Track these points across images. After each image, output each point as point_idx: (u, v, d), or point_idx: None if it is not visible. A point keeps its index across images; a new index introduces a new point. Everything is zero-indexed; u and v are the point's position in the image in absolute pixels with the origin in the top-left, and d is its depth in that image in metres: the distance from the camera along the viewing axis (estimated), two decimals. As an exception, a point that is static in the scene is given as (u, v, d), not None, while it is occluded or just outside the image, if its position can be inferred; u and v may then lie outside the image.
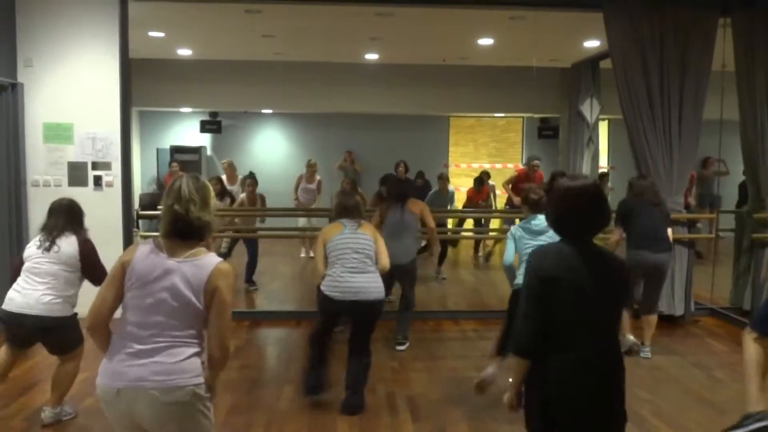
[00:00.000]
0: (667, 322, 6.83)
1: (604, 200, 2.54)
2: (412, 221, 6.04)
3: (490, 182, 10.99)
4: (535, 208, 4.68)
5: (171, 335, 2.43)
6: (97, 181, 6.58)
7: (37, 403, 4.53)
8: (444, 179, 9.93)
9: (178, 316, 2.44)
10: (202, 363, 2.50)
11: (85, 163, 6.59)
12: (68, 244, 4.14)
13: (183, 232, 2.49)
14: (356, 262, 4.50)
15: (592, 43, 9.19)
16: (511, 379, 2.60)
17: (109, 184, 6.61)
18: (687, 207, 8.94)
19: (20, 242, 6.40)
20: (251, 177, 8.50)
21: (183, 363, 2.42)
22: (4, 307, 4.10)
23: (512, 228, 4.82)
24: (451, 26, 8.30)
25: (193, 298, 2.43)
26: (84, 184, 6.58)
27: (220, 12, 7.64)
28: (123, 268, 2.49)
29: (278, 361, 5.86)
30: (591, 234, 2.55)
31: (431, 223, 6.17)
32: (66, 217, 4.24)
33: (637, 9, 6.64)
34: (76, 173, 6.56)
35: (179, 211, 2.48)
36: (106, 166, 6.60)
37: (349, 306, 4.46)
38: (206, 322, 2.48)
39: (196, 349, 2.48)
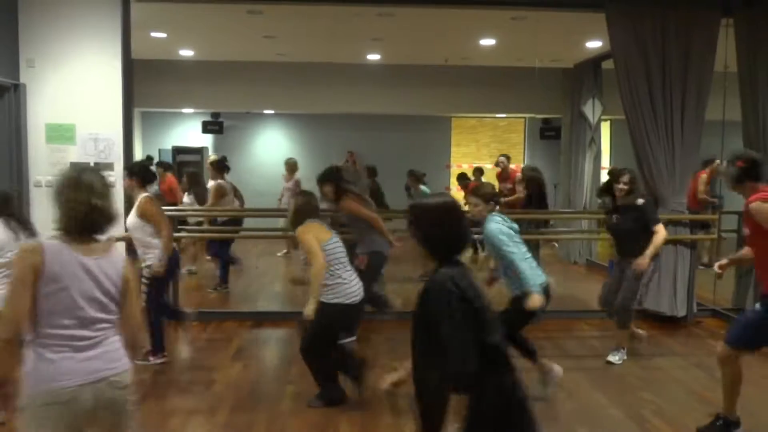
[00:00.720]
0: (670, 323, 6.83)
1: (463, 217, 2.49)
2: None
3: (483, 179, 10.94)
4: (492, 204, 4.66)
5: (102, 327, 2.50)
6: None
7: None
8: (414, 177, 9.45)
9: (105, 310, 2.50)
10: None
11: (87, 164, 6.58)
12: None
13: (99, 226, 2.52)
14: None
15: (594, 44, 9.19)
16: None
17: (111, 185, 6.60)
18: (713, 205, 8.97)
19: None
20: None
21: (120, 350, 2.56)
22: None
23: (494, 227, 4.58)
24: (453, 26, 8.30)
25: (114, 290, 2.52)
26: (86, 184, 6.58)
27: (222, 13, 7.65)
28: (35, 271, 2.37)
29: (280, 361, 5.86)
30: (459, 252, 2.43)
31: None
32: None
33: (640, 9, 6.64)
34: (79, 174, 6.56)
35: (99, 204, 2.49)
36: (109, 166, 6.59)
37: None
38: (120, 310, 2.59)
39: (119, 336, 2.59)
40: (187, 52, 10.42)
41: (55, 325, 2.41)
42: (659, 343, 6.21)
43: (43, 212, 6.51)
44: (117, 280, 2.53)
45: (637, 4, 6.64)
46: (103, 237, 2.56)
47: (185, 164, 12.94)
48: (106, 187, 2.57)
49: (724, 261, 4.40)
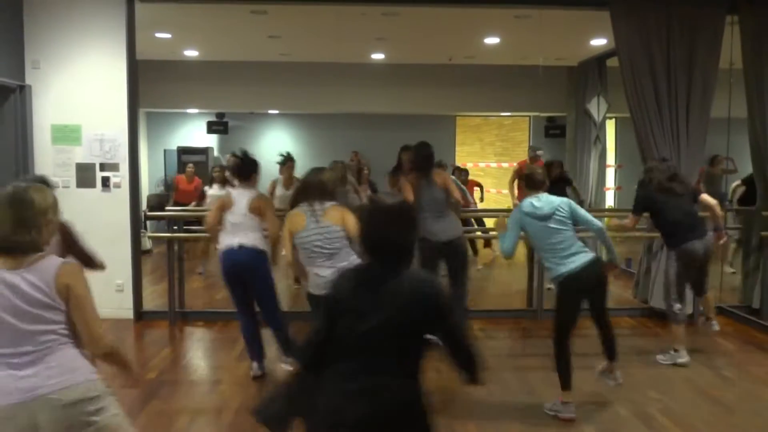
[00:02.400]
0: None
1: (407, 220, 2.38)
2: (442, 195, 5.52)
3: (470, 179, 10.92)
4: (531, 185, 4.51)
5: (46, 341, 2.38)
6: (105, 182, 6.61)
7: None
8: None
9: (42, 321, 2.37)
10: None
11: (93, 165, 6.62)
12: None
13: (3, 250, 2.40)
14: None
15: (599, 41, 9.16)
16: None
17: (117, 186, 6.63)
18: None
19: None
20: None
21: (68, 362, 2.40)
22: None
23: (519, 207, 4.53)
24: (457, 25, 8.29)
25: (47, 300, 2.36)
26: (92, 185, 6.61)
27: (227, 13, 7.65)
28: None
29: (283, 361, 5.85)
30: (391, 257, 2.34)
31: (457, 194, 5.62)
32: None
33: (644, 7, 6.62)
34: (84, 174, 6.59)
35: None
36: (114, 167, 6.62)
37: None
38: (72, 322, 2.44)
39: (74, 348, 2.45)
40: (191, 53, 10.43)
41: None
42: (666, 341, 6.18)
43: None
44: (49, 287, 2.35)
45: (642, 1, 6.62)
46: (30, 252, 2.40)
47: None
48: (12, 210, 2.38)
49: None
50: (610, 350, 4.65)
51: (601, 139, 10.34)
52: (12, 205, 2.39)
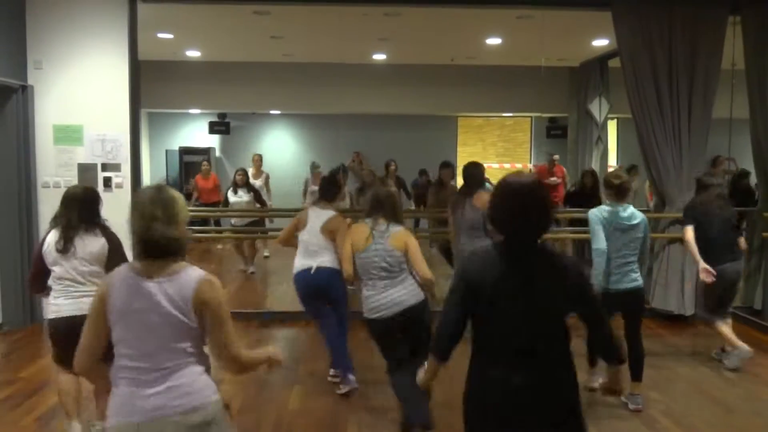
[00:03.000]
0: (677, 321, 6.80)
1: (543, 198, 2.35)
2: (478, 219, 5.40)
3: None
4: (620, 194, 4.48)
5: (172, 358, 2.28)
6: (107, 182, 6.61)
7: (47, 403, 4.56)
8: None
9: (173, 338, 2.28)
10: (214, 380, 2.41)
11: (95, 165, 6.62)
12: (88, 242, 3.74)
13: (152, 251, 2.30)
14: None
15: (601, 42, 9.17)
16: (419, 376, 2.56)
17: (119, 186, 6.64)
18: None
19: (30, 243, 6.44)
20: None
21: (196, 383, 2.31)
22: (52, 316, 3.72)
23: (595, 211, 4.51)
24: (459, 26, 8.29)
25: (182, 317, 2.26)
26: (94, 185, 6.59)
27: (229, 13, 7.66)
28: (102, 300, 2.30)
29: (287, 361, 5.86)
30: (531, 235, 2.34)
31: None
32: (80, 210, 3.77)
33: (646, 7, 6.61)
34: (86, 175, 6.59)
35: (142, 231, 2.30)
36: (116, 167, 6.63)
37: None
38: (204, 339, 2.34)
39: (202, 367, 2.35)
40: (193, 53, 10.44)
41: (124, 354, 2.29)
42: (667, 342, 6.19)
43: (50, 213, 6.56)
44: (185, 305, 2.25)
45: (644, 1, 6.62)
46: (173, 259, 2.31)
47: (193, 165, 13.01)
48: (163, 209, 2.30)
49: None
50: (636, 370, 4.60)
51: (602, 139, 10.34)
52: (161, 201, 2.31)
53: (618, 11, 6.64)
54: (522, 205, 2.29)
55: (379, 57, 10.61)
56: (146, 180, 12.59)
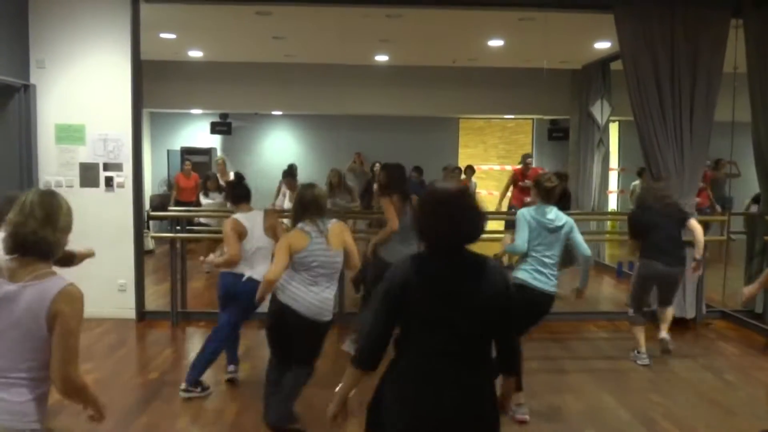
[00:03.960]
0: (679, 324, 6.79)
1: (470, 208, 2.29)
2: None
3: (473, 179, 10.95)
4: (547, 197, 4.52)
5: (11, 371, 2.21)
6: (109, 182, 6.62)
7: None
8: (449, 171, 9.27)
9: (20, 349, 2.20)
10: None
11: (97, 164, 6.63)
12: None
13: (20, 248, 2.25)
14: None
15: (603, 45, 9.16)
16: (338, 388, 2.43)
17: (121, 185, 6.64)
18: (709, 207, 8.94)
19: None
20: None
21: (21, 405, 2.21)
22: None
23: (523, 211, 4.57)
24: (461, 28, 8.29)
25: (34, 327, 2.18)
26: (95, 185, 6.61)
27: (231, 14, 7.67)
28: None
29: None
30: (456, 243, 2.30)
31: None
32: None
33: (648, 10, 6.61)
34: (88, 174, 6.59)
35: (16, 224, 2.25)
36: (118, 167, 6.63)
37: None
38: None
39: (35, 393, 2.25)
40: (196, 53, 10.45)
41: None
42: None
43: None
44: (40, 313, 2.19)
45: (646, 4, 6.61)
46: (41, 262, 2.27)
47: (195, 165, 13.01)
48: (41, 208, 2.28)
49: (753, 288, 4.32)
50: (518, 379, 4.37)
51: (604, 142, 10.34)
52: (42, 203, 2.30)
53: (620, 14, 6.64)
54: (447, 214, 2.26)
55: (381, 58, 10.61)
56: (147, 180, 12.64)
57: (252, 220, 4.80)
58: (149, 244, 9.50)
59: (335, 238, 4.07)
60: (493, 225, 11.00)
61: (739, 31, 6.76)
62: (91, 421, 2.48)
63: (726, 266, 7.69)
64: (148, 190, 12.66)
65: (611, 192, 11.53)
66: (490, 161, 14.05)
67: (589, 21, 7.58)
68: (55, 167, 6.58)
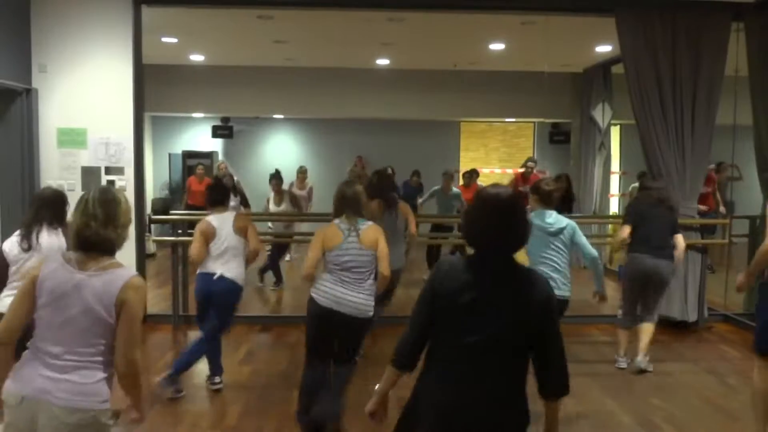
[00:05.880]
0: (680, 328, 6.78)
1: (517, 213, 2.29)
2: (401, 224, 5.67)
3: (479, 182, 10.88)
4: (547, 201, 4.53)
5: (82, 354, 2.36)
6: (110, 185, 6.62)
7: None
8: (448, 176, 9.28)
9: (89, 334, 2.37)
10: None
11: (99, 168, 6.64)
12: (51, 239, 3.83)
13: (85, 246, 2.43)
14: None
15: (604, 48, 9.17)
16: (377, 387, 2.45)
17: (122, 189, 6.65)
18: (714, 212, 8.89)
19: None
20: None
21: (91, 386, 2.36)
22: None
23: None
24: (463, 31, 8.30)
25: (104, 313, 2.36)
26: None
27: (233, 18, 7.68)
28: (33, 282, 2.40)
29: (288, 365, 5.85)
30: (507, 249, 2.29)
31: (413, 227, 5.77)
32: (44, 210, 3.90)
33: (650, 14, 6.62)
34: (90, 178, 6.60)
35: (79, 226, 2.43)
36: (119, 170, 6.64)
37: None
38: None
39: (105, 374, 2.41)
40: (197, 57, 10.46)
41: (40, 337, 2.40)
42: (670, 349, 6.17)
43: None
44: (109, 301, 2.37)
45: (647, 8, 6.62)
46: (106, 255, 2.43)
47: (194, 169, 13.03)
48: (102, 208, 2.46)
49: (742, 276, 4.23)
50: None
51: (605, 145, 10.34)
52: (103, 202, 2.46)
53: (621, 17, 6.65)
54: (498, 219, 2.25)
55: (383, 62, 10.62)
56: (149, 184, 12.64)
57: (222, 220, 4.90)
58: (151, 247, 9.51)
59: (368, 240, 4.10)
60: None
61: (740, 34, 6.76)
62: (133, 423, 2.61)
63: (728, 269, 7.68)
64: (150, 193, 12.67)
65: (612, 195, 11.53)
66: (491, 165, 14.04)
67: (590, 24, 7.59)
68: (57, 171, 6.59)
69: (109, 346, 2.41)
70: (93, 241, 2.42)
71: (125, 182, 6.64)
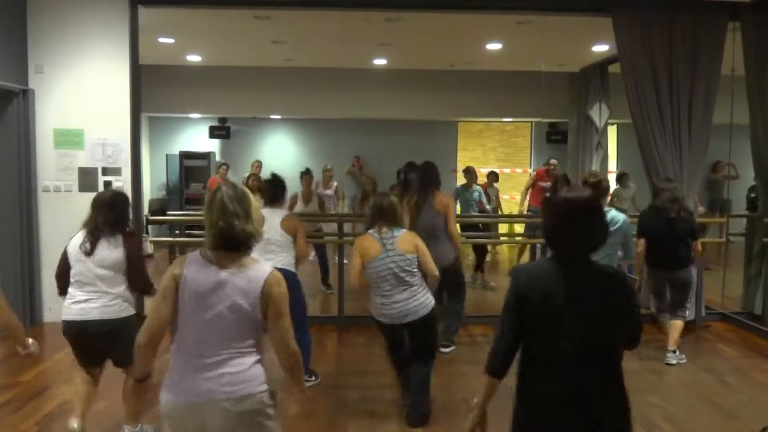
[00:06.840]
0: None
1: (597, 215, 2.36)
2: (439, 222, 5.65)
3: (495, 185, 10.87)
4: (601, 194, 4.74)
5: (230, 347, 2.42)
6: (107, 186, 6.61)
7: (47, 408, 4.55)
8: (471, 173, 9.15)
9: (237, 328, 2.42)
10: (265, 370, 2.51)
11: (96, 169, 6.63)
12: (111, 247, 3.76)
13: (229, 245, 2.46)
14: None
15: (601, 48, 9.18)
16: (476, 399, 2.47)
17: (120, 189, 6.64)
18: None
19: (31, 247, 6.46)
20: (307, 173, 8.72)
21: (248, 372, 2.43)
22: (63, 317, 3.78)
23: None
24: (460, 31, 8.31)
25: (250, 309, 2.41)
26: (94, 189, 6.59)
27: (230, 18, 7.67)
28: (176, 282, 2.44)
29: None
30: (584, 251, 2.34)
31: (452, 227, 5.70)
32: (105, 214, 3.80)
33: (646, 13, 6.63)
34: (87, 179, 6.60)
35: (224, 226, 2.43)
36: (116, 171, 6.64)
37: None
38: (265, 331, 2.49)
39: (256, 357, 2.47)
40: (194, 58, 10.45)
41: (187, 337, 2.46)
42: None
43: (50, 217, 6.57)
44: (254, 297, 2.41)
45: (644, 7, 6.63)
46: (245, 252, 2.48)
47: (193, 170, 13.03)
48: (241, 206, 2.47)
49: None
50: None
51: (602, 145, 10.35)
52: (238, 199, 2.48)
53: (618, 17, 6.66)
54: (577, 221, 2.30)
55: (380, 62, 10.62)
56: (146, 184, 12.63)
57: (271, 212, 4.94)
58: (148, 248, 9.50)
59: (406, 244, 4.26)
60: (516, 228, 11.10)
61: (736, 33, 6.78)
62: (301, 407, 2.71)
63: (725, 268, 7.69)
64: (147, 194, 12.65)
65: (610, 195, 11.52)
66: (489, 164, 14.04)
67: (587, 24, 7.60)
68: (53, 172, 6.58)
69: (256, 338, 2.47)
70: (241, 239, 2.45)
71: (122, 183, 6.63)
